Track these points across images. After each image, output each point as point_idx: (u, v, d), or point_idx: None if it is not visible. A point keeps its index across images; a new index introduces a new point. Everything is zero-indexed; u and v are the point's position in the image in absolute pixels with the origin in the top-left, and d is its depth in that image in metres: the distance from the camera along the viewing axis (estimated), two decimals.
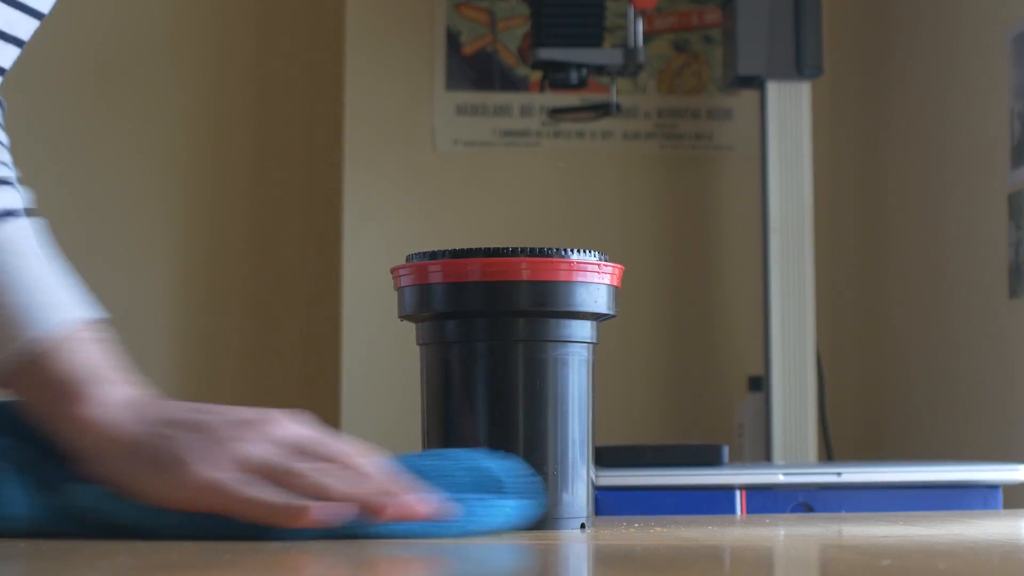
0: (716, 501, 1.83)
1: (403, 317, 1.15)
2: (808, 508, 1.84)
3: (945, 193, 2.46)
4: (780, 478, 1.84)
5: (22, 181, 1.10)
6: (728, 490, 1.83)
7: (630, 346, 2.67)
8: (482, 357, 1.11)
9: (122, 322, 2.87)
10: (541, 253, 1.11)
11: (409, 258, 1.14)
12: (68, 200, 2.77)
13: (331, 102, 2.75)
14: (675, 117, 2.73)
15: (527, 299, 1.10)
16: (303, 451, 1.01)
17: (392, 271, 1.16)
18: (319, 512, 0.96)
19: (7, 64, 1.08)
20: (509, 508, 1.04)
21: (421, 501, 1.00)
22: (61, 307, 1.06)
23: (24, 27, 1.07)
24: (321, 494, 0.98)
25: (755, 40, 2.45)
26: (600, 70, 2.49)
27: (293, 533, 0.98)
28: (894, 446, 2.60)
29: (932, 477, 1.86)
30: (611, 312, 1.14)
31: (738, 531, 1.15)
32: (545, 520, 1.10)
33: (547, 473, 1.10)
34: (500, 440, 1.10)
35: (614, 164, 2.72)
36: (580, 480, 1.11)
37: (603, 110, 2.58)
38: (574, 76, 2.47)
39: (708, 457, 1.87)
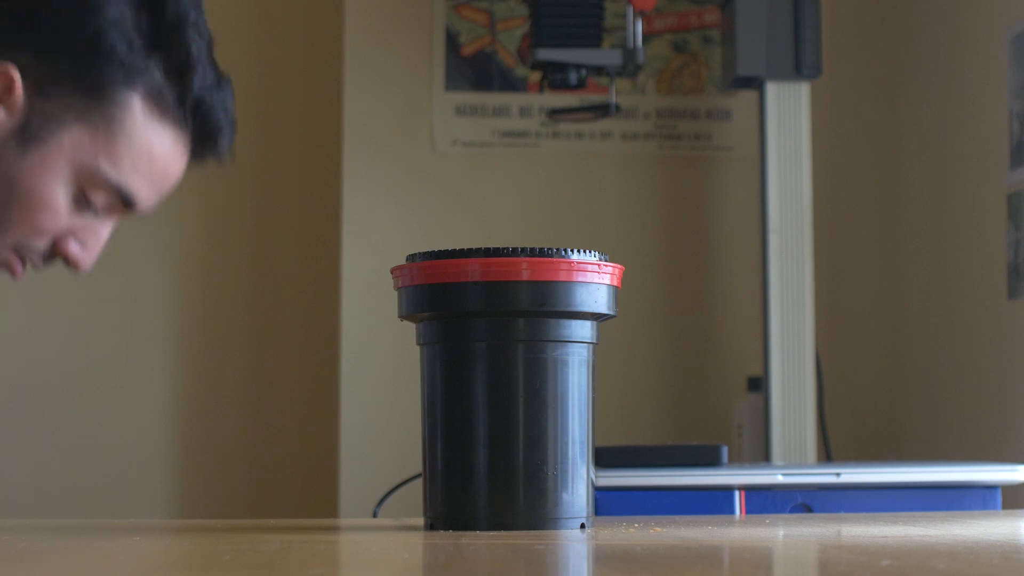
0: (715, 501, 1.83)
1: (403, 317, 1.15)
2: (807, 508, 1.84)
3: (944, 193, 2.46)
4: (779, 479, 1.84)
5: None
6: (727, 490, 1.83)
7: (630, 346, 2.67)
8: (482, 357, 1.11)
9: (122, 321, 2.88)
10: (541, 253, 1.11)
11: (409, 258, 1.14)
12: None
13: (330, 102, 2.75)
14: (674, 118, 2.73)
15: (527, 299, 1.11)
16: None
17: (392, 271, 1.16)
18: None
19: None
20: None
21: None
22: None
23: None
24: None
25: (754, 40, 2.45)
26: (599, 71, 2.49)
27: None
28: (893, 446, 2.60)
29: (931, 477, 1.86)
30: (611, 312, 1.14)
31: (737, 531, 1.15)
32: (545, 520, 1.10)
33: (547, 473, 1.10)
34: (500, 440, 1.10)
35: (613, 165, 2.72)
36: (580, 480, 1.11)
37: (602, 111, 2.58)
38: (573, 77, 2.47)
39: (707, 457, 1.87)
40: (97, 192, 1.39)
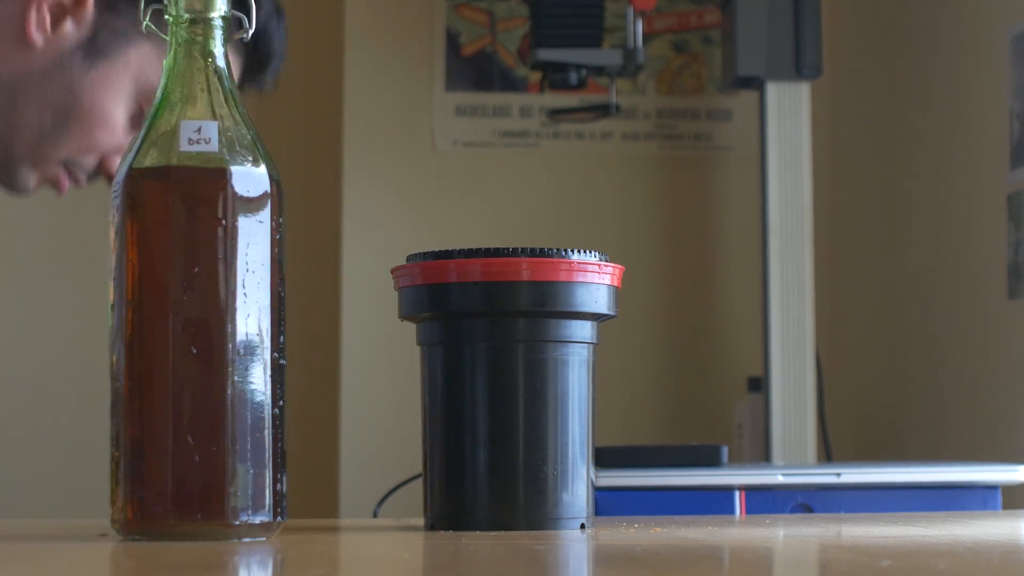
0: (715, 502, 1.83)
1: (403, 317, 1.16)
2: (807, 509, 1.84)
3: (944, 193, 2.46)
4: (779, 479, 1.84)
5: None
6: (727, 491, 1.83)
7: (630, 346, 2.67)
8: (482, 357, 1.11)
9: None
10: (541, 253, 1.11)
11: (409, 258, 1.14)
12: (66, 200, 2.77)
13: (330, 102, 2.75)
14: (674, 118, 2.73)
15: (527, 299, 1.11)
16: None
17: (392, 271, 1.16)
18: None
19: None
20: None
21: None
22: None
23: None
24: None
25: (754, 40, 2.45)
26: (599, 71, 2.49)
27: None
28: (893, 446, 2.60)
29: (931, 477, 1.86)
30: (611, 312, 1.14)
31: (738, 531, 1.15)
32: (545, 520, 1.10)
33: (547, 473, 1.10)
34: (500, 440, 1.10)
35: (613, 165, 2.72)
36: (580, 480, 1.11)
37: (602, 111, 2.58)
38: (573, 77, 2.47)
39: (707, 458, 1.86)
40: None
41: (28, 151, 1.42)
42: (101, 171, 1.44)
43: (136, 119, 1.42)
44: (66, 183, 1.45)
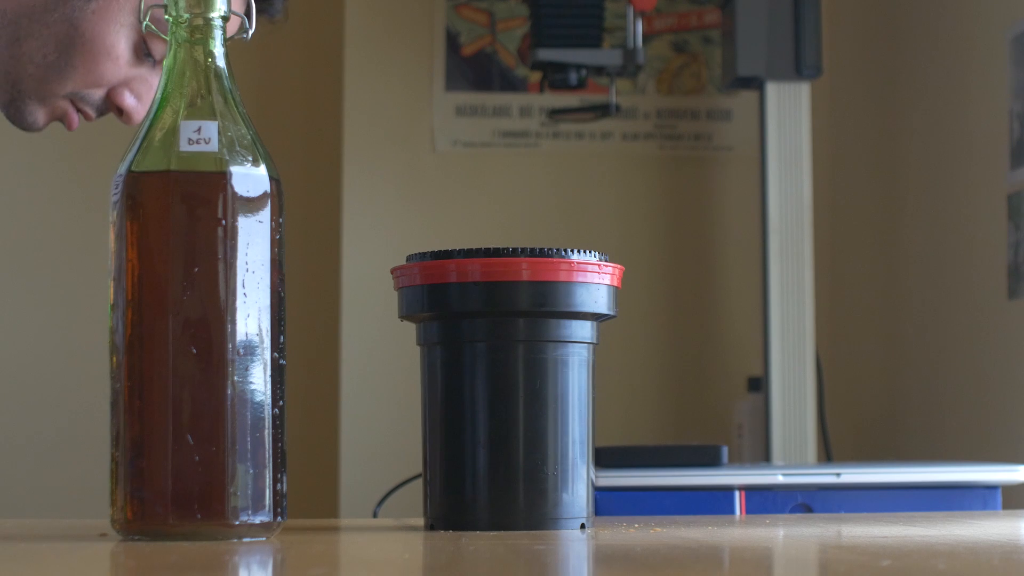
0: (715, 501, 1.83)
1: (403, 317, 1.16)
2: (807, 509, 1.84)
3: (944, 193, 2.46)
4: (779, 479, 1.84)
5: None
6: (727, 491, 1.83)
7: (630, 346, 2.67)
8: (482, 357, 1.11)
9: None
10: (541, 253, 1.11)
11: (409, 258, 1.14)
12: (67, 201, 2.77)
13: (331, 103, 2.75)
14: (674, 118, 2.73)
15: (527, 299, 1.11)
16: None
17: (392, 271, 1.16)
18: None
19: None
20: None
21: None
22: None
23: None
24: None
25: (754, 41, 2.45)
26: (599, 71, 2.49)
27: None
28: (893, 447, 2.60)
29: (931, 477, 1.86)
30: (611, 312, 1.14)
31: (738, 531, 1.15)
32: (545, 520, 1.10)
33: (547, 473, 1.10)
34: (500, 440, 1.10)
35: (613, 165, 2.72)
36: (580, 480, 1.11)
37: (602, 111, 2.58)
38: (573, 77, 2.47)
39: (707, 458, 1.87)
40: (157, 41, 1.39)
41: (34, 86, 1.42)
42: (108, 105, 1.45)
43: (138, 50, 1.42)
44: (75, 118, 1.45)
